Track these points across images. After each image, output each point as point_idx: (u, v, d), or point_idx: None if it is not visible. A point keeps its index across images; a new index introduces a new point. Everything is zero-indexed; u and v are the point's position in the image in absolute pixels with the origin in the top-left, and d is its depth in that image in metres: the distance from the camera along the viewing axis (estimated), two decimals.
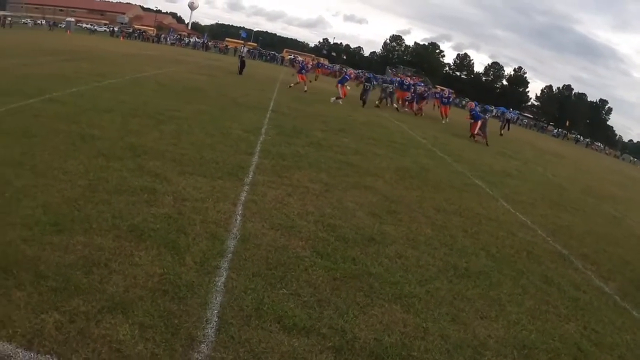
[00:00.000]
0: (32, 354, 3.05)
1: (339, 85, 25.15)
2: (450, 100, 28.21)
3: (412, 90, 29.08)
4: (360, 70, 30.19)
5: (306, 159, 9.49)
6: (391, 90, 28.45)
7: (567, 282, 6.28)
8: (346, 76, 28.11)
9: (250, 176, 7.60)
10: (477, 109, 23.15)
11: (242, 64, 30.94)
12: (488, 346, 4.27)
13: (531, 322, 4.91)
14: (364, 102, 25.50)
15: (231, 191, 6.74)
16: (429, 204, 8.38)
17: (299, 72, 27.06)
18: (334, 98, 23.85)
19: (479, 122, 21.12)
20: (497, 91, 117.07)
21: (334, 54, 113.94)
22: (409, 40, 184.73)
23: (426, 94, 30.04)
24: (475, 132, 21.38)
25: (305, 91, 25.79)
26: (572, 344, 4.67)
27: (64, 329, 3.33)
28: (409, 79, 31.26)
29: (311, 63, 28.30)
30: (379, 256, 5.54)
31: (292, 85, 26.73)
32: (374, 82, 30.05)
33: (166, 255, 4.61)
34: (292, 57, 30.06)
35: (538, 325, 4.86)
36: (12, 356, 3.01)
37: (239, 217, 5.86)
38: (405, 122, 21.51)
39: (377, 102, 27.02)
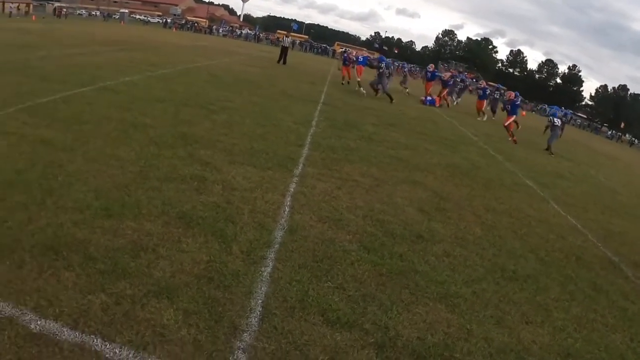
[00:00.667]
0: (77, 333, 3.18)
1: (344, 67, 24.16)
2: (487, 93, 25.32)
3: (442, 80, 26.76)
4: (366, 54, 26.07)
5: (357, 153, 9.45)
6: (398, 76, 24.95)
7: (616, 290, 5.97)
8: (345, 56, 25.19)
9: (299, 168, 7.63)
10: (518, 101, 20.10)
11: (284, 53, 30.50)
12: (532, 352, 4.12)
13: (577, 330, 4.70)
14: (377, 91, 22.06)
15: (280, 182, 6.78)
16: (479, 202, 8.19)
17: (343, 64, 26.25)
18: (358, 88, 22.25)
19: (513, 117, 19.10)
20: (550, 89, 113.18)
21: (385, 47, 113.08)
22: (462, 35, 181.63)
23: (450, 82, 27.51)
24: (507, 124, 19.08)
25: (343, 84, 25.02)
26: (617, 356, 4.44)
27: (109, 310, 3.45)
28: (432, 66, 28.11)
29: (354, 54, 26.45)
30: (426, 254, 5.45)
31: (345, 82, 25.87)
32: (391, 66, 25.05)
33: (213, 243, 4.68)
34: (343, 50, 29.67)
35: (584, 334, 4.65)
36: (57, 334, 3.15)
37: (287, 209, 5.89)
38: (456, 118, 21.05)
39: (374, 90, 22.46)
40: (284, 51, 30.80)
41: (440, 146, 12.66)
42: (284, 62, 30.02)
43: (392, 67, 25.06)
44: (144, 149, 7.28)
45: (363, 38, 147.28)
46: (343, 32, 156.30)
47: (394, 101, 21.26)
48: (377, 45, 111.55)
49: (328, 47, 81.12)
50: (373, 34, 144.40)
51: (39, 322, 3.22)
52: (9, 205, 4.90)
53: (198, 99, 12.38)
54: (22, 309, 3.33)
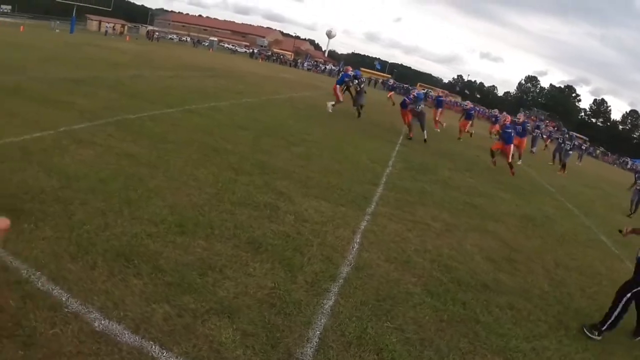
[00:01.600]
0: (136, 338, 3.37)
1: (337, 86, 21.05)
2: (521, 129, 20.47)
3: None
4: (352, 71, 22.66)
5: (431, 197, 9.38)
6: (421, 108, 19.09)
7: None
8: (344, 75, 22.08)
9: (372, 207, 7.67)
10: (513, 129, 16.97)
11: (358, 96, 27.28)
12: None
13: None
14: (359, 109, 21.02)
15: (352, 219, 6.85)
16: (550, 256, 7.86)
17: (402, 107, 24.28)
18: (331, 104, 20.47)
19: (511, 147, 16.12)
20: (634, 141, 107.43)
21: (467, 91, 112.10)
22: (545, 82, 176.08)
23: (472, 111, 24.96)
24: (509, 159, 16.46)
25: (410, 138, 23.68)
26: None
27: (171, 321, 3.61)
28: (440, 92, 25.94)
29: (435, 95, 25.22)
30: (490, 304, 5.29)
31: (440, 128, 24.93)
32: (363, 80, 22.75)
33: (279, 270, 4.79)
34: (425, 91, 29.36)
35: None
36: (118, 336, 3.36)
37: (356, 245, 5.93)
38: (534, 167, 20.33)
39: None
40: (360, 95, 28.10)
41: (515, 195, 12.29)
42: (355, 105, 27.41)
43: (363, 82, 22.84)
44: (222, 173, 7.61)
45: (445, 80, 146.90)
46: (426, 73, 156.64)
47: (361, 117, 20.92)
48: (458, 89, 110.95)
49: (410, 87, 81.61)
50: (455, 77, 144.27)
51: (102, 322, 3.46)
52: (89, 210, 5.32)
53: (279, 129, 12.81)
54: (89, 307, 3.60)
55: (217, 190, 6.80)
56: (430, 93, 24.06)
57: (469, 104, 26.47)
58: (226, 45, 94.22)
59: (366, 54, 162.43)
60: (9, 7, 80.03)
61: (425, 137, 17.82)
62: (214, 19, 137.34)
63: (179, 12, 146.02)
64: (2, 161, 6.43)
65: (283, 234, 5.74)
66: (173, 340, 3.41)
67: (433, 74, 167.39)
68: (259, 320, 3.85)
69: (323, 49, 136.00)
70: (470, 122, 24.22)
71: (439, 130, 23.62)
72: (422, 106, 18.37)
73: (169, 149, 8.41)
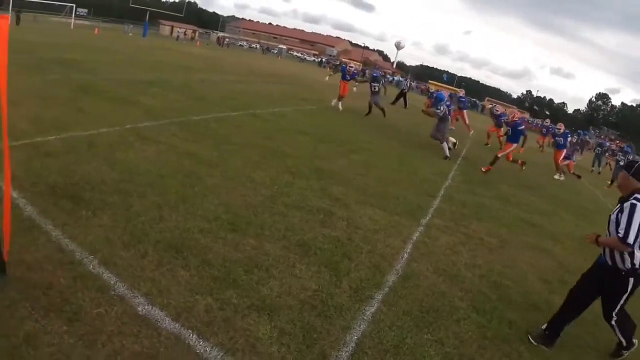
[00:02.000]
0: (176, 325, 3.53)
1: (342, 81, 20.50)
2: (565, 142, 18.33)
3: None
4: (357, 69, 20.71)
5: (488, 211, 9.14)
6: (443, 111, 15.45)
7: None
8: (343, 67, 21.99)
9: (427, 218, 7.59)
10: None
11: (401, 96, 28.88)
12: None
13: None
14: (370, 107, 19.80)
15: (405, 229, 6.81)
16: None
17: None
18: (335, 100, 20.17)
19: (512, 146, 14.55)
20: None
21: (536, 107, 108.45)
22: (616, 100, 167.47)
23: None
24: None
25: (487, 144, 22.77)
26: None
27: (211, 313, 3.74)
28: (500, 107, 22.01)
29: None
30: (539, 326, 5.11)
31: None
32: (382, 82, 22.05)
33: (325, 274, 4.84)
34: (492, 106, 27.94)
35: None
36: (159, 321, 3.53)
37: (405, 255, 5.90)
38: (600, 187, 19.29)
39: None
40: (403, 95, 29.89)
41: (577, 216, 11.77)
42: (394, 104, 27.94)
43: (382, 82, 22.21)
44: (279, 176, 7.76)
45: (514, 96, 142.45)
46: (494, 87, 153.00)
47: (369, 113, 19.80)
48: (527, 104, 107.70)
49: (478, 102, 79.80)
50: (524, 92, 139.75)
51: (146, 307, 3.64)
52: (146, 203, 5.59)
53: (339, 136, 12.91)
54: (135, 292, 3.81)
55: (272, 193, 6.95)
56: (498, 108, 20.90)
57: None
58: (295, 53, 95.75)
59: (435, 66, 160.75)
60: (85, 10, 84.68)
61: (447, 153, 14.30)
62: (284, 27, 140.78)
63: (249, 20, 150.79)
64: (69, 152, 6.86)
65: (334, 239, 5.79)
66: (211, 331, 3.53)
67: (501, 89, 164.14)
68: (298, 321, 3.91)
69: (392, 61, 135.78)
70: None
71: (471, 133, 22.83)
72: (444, 109, 14.76)
73: (229, 150, 8.68)
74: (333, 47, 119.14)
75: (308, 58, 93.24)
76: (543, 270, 6.79)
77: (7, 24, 3.20)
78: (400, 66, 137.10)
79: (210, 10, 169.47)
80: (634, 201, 4.11)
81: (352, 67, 20.17)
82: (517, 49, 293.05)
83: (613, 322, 4.70)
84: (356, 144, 12.35)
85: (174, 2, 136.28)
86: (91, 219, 4.95)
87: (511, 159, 14.92)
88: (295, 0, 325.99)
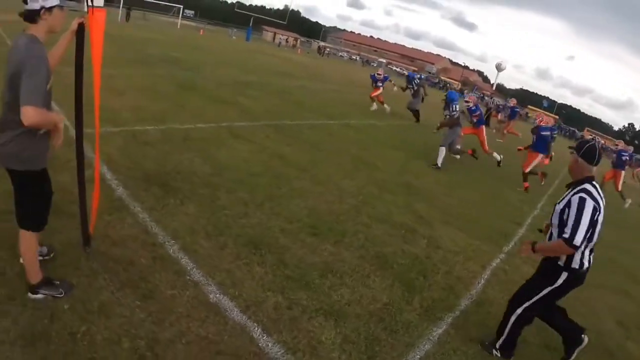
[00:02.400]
0: (243, 317, 3.66)
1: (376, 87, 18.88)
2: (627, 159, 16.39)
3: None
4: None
5: None
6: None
7: None
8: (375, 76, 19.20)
9: (510, 245, 7.30)
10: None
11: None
12: None
13: None
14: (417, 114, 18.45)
15: (486, 254, 6.60)
16: None
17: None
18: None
19: (538, 156, 12.50)
20: None
21: (637, 141, 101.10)
22: None
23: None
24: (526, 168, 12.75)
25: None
26: None
27: (279, 310, 3.84)
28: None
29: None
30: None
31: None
32: (417, 83, 18.95)
33: (398, 289, 4.81)
34: (591, 137, 25.70)
35: None
36: (227, 311, 3.68)
37: (482, 281, 5.72)
38: None
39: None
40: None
41: None
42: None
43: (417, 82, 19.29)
44: (366, 187, 7.80)
45: (615, 128, 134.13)
46: (595, 117, 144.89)
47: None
48: (627, 138, 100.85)
49: (577, 131, 75.92)
50: (626, 125, 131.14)
51: (217, 295, 3.81)
52: (233, 198, 5.84)
53: (430, 154, 12.67)
54: (209, 280, 4.00)
55: (357, 202, 7.00)
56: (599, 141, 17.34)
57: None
58: (394, 68, 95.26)
59: (535, 91, 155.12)
60: (192, 11, 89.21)
61: (439, 163, 11.41)
62: (385, 41, 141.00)
63: (351, 32, 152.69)
64: (165, 143, 7.30)
65: (412, 256, 5.73)
66: (276, 328, 3.62)
67: (602, 120, 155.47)
68: (363, 330, 3.92)
69: (491, 82, 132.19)
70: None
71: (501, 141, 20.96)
72: (457, 112, 12.41)
73: (320, 157, 8.84)
74: (433, 64, 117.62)
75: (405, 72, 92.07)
76: (622, 314, 6.33)
77: (104, 17, 3.45)
78: (500, 88, 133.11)
79: (313, 19, 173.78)
80: (583, 195, 3.63)
81: (379, 74, 18.57)
82: (621, 79, 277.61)
83: (514, 316, 4.12)
84: (446, 163, 12.09)
85: (278, 9, 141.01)
86: (178, 206, 5.25)
87: (528, 170, 12.55)
88: (398, 15, 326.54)
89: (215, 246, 4.60)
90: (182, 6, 63.72)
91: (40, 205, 3.29)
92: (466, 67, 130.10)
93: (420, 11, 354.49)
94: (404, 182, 8.95)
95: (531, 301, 4.04)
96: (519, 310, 4.09)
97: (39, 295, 3.34)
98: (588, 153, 3.80)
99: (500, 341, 4.20)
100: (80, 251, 3.96)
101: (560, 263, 3.84)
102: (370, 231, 6.10)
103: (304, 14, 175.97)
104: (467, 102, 13.20)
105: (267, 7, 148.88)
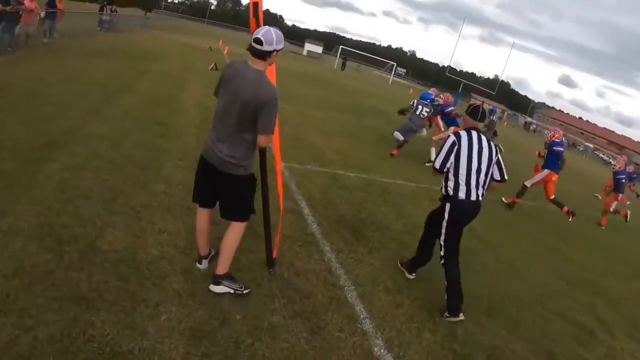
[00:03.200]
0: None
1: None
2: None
3: None
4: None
5: None
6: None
7: None
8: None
9: None
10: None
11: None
12: None
13: None
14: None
15: None
16: None
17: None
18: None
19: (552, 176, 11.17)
20: None
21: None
22: None
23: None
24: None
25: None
26: None
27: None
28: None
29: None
30: None
31: None
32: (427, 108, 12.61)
33: None
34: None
35: None
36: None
37: None
38: None
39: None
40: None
41: None
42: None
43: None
44: (553, 278, 7.17)
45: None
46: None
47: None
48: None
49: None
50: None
51: (381, 350, 3.83)
52: None
53: (634, 257, 11.35)
54: (377, 333, 4.04)
55: (542, 292, 6.45)
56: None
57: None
58: (600, 154, 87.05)
59: None
60: (404, 70, 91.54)
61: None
62: (593, 124, 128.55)
63: (559, 110, 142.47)
64: (364, 191, 7.58)
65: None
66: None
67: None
68: None
69: None
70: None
71: None
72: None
73: (510, 235, 8.42)
74: None
75: (612, 162, 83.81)
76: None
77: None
78: None
79: (522, 93, 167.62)
80: (451, 134, 4.91)
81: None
82: None
83: (442, 261, 4.81)
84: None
85: (488, 78, 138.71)
86: (365, 255, 5.41)
87: (545, 187, 11.37)
88: (610, 98, 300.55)
89: (392, 302, 4.62)
90: (395, 64, 66.35)
91: (252, 199, 3.95)
92: None
93: (635, 96, 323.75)
94: (594, 281, 8.09)
95: (442, 237, 4.87)
96: (442, 252, 4.84)
97: (220, 288, 3.85)
98: (472, 112, 4.83)
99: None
100: (265, 272, 4.32)
101: (443, 193, 4.83)
102: (548, 326, 5.62)
103: (513, 86, 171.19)
104: None
105: (478, 74, 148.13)
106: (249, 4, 4.17)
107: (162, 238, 4.60)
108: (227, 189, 3.80)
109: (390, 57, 62.89)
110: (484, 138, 4.70)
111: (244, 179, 3.78)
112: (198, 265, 4.19)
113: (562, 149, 11.46)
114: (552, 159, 11.27)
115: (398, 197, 7.96)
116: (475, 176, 4.64)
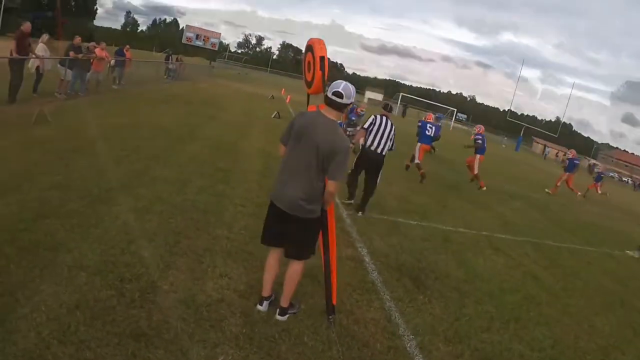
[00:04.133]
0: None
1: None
2: None
3: None
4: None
5: None
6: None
7: None
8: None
9: None
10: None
11: None
12: None
13: None
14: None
15: None
16: None
17: None
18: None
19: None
20: None
21: None
22: None
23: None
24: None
25: None
26: None
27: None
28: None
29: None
30: None
31: None
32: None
33: None
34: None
35: None
36: None
37: None
38: None
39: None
40: None
41: None
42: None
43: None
44: (621, 330, 6.52)
45: None
46: None
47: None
48: None
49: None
50: None
51: None
52: (480, 309, 5.56)
53: None
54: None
55: (607, 344, 5.89)
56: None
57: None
58: None
59: None
60: (465, 115, 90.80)
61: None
62: None
63: (624, 150, 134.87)
64: (424, 240, 7.39)
65: None
66: None
67: None
68: None
69: None
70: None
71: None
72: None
73: (574, 285, 7.90)
74: None
75: None
76: None
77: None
78: None
79: (585, 134, 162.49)
80: (373, 116, 8.40)
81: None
82: None
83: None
84: None
85: (550, 120, 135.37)
86: (425, 304, 5.18)
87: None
88: None
89: (452, 353, 4.35)
90: (455, 109, 66.02)
91: (316, 240, 4.13)
92: None
93: None
94: None
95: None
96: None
97: (285, 317, 4.08)
98: (385, 107, 8.69)
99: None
100: (324, 319, 4.20)
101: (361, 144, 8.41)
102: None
103: (575, 127, 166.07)
104: None
105: (539, 117, 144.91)
106: (305, 53, 4.29)
107: (223, 281, 4.58)
108: (295, 230, 3.92)
109: (450, 103, 62.97)
110: (389, 121, 8.28)
111: (312, 221, 3.92)
112: (259, 307, 4.16)
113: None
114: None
115: (459, 246, 7.71)
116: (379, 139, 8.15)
